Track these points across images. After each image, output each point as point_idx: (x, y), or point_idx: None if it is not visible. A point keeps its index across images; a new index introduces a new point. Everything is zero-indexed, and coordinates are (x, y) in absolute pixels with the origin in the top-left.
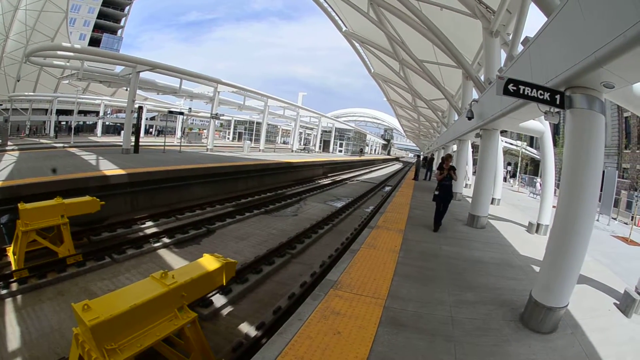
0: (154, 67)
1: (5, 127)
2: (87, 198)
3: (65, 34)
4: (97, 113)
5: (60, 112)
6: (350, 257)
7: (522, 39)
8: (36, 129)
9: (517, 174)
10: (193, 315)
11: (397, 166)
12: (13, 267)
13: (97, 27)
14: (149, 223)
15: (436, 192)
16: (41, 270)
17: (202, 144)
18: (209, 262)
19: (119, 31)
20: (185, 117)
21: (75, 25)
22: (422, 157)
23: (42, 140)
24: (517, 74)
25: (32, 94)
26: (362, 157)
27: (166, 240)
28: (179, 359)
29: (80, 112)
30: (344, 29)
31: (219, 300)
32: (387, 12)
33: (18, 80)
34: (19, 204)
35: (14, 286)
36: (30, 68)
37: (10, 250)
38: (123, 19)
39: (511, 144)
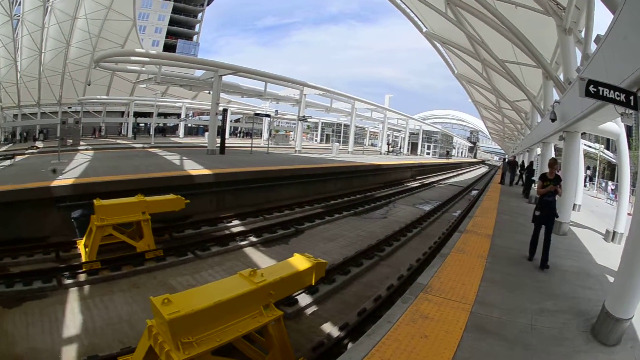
0: (236, 70)
1: (77, 128)
2: (171, 196)
3: (136, 40)
4: (178, 115)
5: (137, 114)
6: (440, 261)
7: (594, 36)
8: (118, 131)
9: (595, 178)
10: (278, 313)
11: (483, 169)
12: (83, 259)
13: (171, 34)
14: (235, 222)
15: (537, 213)
16: (115, 263)
17: (289, 145)
18: (300, 262)
19: (195, 37)
20: (271, 119)
21: (146, 32)
22: (507, 160)
23: (119, 141)
24: (593, 73)
25: (105, 97)
26: (450, 160)
27: (253, 239)
28: (256, 355)
29: (160, 114)
30: (424, 29)
31: (304, 299)
32: (464, 11)
33: (89, 85)
34: (94, 200)
35: (82, 277)
36: (101, 73)
37: (81, 243)
38: (197, 25)
39: (589, 146)
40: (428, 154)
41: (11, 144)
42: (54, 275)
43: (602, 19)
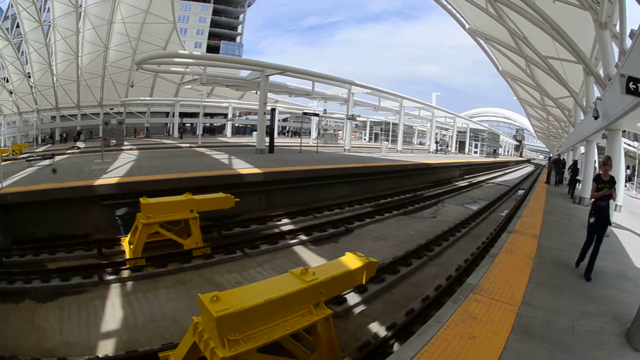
0: (283, 70)
1: (121, 129)
2: (220, 195)
3: (177, 42)
4: (225, 115)
5: (183, 114)
6: (490, 261)
7: (629, 31)
8: (166, 132)
9: (635, 177)
10: (328, 312)
11: (529, 168)
12: (127, 256)
13: (213, 35)
14: (285, 220)
15: (591, 220)
16: (161, 260)
17: (338, 144)
18: (351, 261)
19: (238, 38)
20: (320, 119)
21: (187, 34)
22: (552, 159)
23: (165, 141)
24: (632, 69)
25: (149, 98)
26: (497, 159)
27: (303, 237)
28: (302, 353)
29: (206, 114)
30: (467, 26)
31: (353, 298)
32: (504, 7)
33: (132, 86)
34: (140, 199)
35: (125, 273)
36: (144, 75)
37: (125, 240)
38: (239, 27)
39: (628, 144)
40: (475, 152)
41: (49, 145)
42: (94, 271)
43: (636, 12)
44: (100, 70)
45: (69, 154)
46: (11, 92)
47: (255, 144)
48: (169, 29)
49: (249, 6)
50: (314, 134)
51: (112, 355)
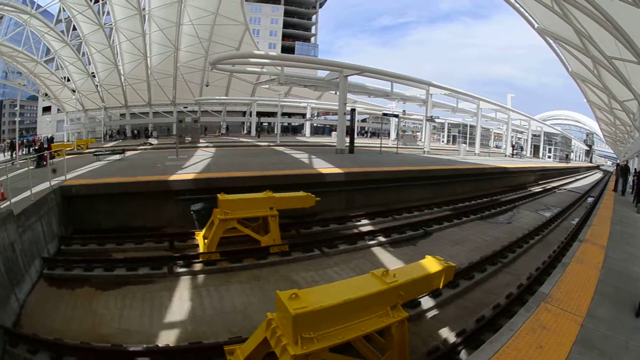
0: (361, 71)
1: (196, 127)
2: (301, 193)
3: (251, 43)
4: (303, 115)
5: (260, 114)
6: (561, 270)
7: None
8: (227, 128)
9: None
10: (404, 314)
11: (598, 175)
12: (201, 250)
13: (287, 36)
14: (364, 221)
15: None
16: (236, 256)
17: (417, 146)
18: (431, 264)
19: (312, 39)
20: (399, 120)
21: (260, 35)
22: (619, 165)
23: (242, 139)
24: None
25: (224, 97)
26: (569, 165)
27: (382, 238)
28: (372, 355)
29: (283, 114)
30: (536, 25)
31: (427, 302)
32: (568, 4)
33: (207, 86)
34: (218, 195)
35: (198, 266)
36: (217, 75)
37: (199, 235)
38: (312, 28)
39: None
40: (549, 157)
41: (119, 140)
42: (164, 262)
43: None
44: (171, 70)
45: (140, 149)
46: (73, 91)
47: (334, 144)
48: (241, 31)
49: (320, 7)
50: (393, 135)
51: (173, 346)
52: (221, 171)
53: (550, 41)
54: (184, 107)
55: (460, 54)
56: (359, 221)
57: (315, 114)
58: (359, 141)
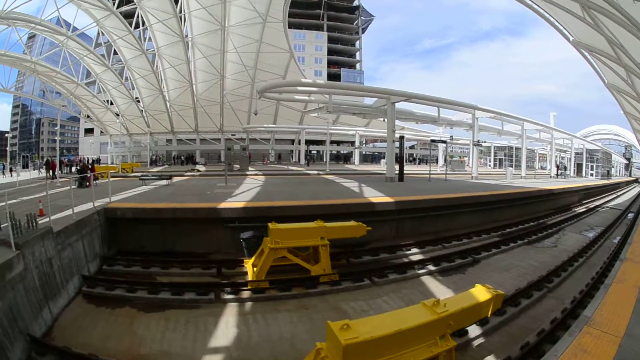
0: (408, 97)
1: (245, 155)
2: (352, 223)
3: (296, 71)
4: (351, 142)
5: (309, 142)
6: (603, 292)
7: None
8: (279, 156)
9: None
10: (452, 344)
11: (637, 189)
12: (249, 278)
13: (332, 63)
14: (414, 250)
15: None
16: (285, 284)
17: (464, 171)
18: (480, 293)
19: (357, 65)
20: (447, 145)
21: (306, 62)
22: None
23: (291, 168)
24: None
25: (273, 125)
26: (610, 181)
27: (431, 267)
28: None
29: (332, 142)
30: (571, 38)
31: (474, 330)
32: (598, 13)
33: (255, 114)
34: (269, 224)
35: (246, 294)
36: (265, 102)
37: (248, 263)
38: (357, 54)
39: None
40: (591, 174)
41: (166, 165)
42: (211, 289)
43: None
44: (217, 97)
45: (188, 176)
46: (117, 115)
47: (384, 171)
48: (287, 58)
49: (363, 32)
50: (441, 161)
51: None
52: (271, 200)
53: (586, 54)
54: (232, 135)
55: (503, 74)
56: (409, 250)
57: (364, 142)
58: (408, 168)
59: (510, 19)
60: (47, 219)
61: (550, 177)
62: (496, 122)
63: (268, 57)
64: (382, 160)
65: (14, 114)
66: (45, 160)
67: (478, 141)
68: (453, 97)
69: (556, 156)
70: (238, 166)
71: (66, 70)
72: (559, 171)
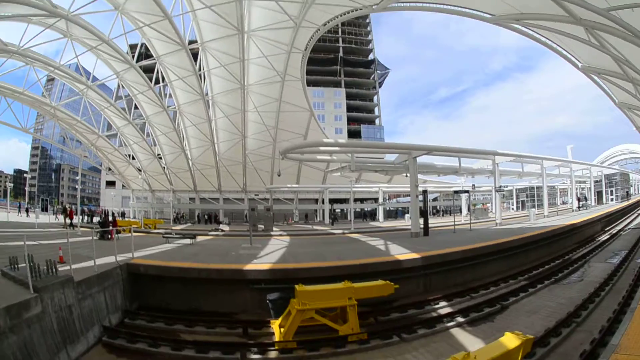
0: (429, 150)
1: (269, 215)
2: (380, 282)
3: (317, 129)
4: (375, 199)
5: (332, 200)
6: (630, 316)
7: None
8: (306, 215)
9: None
10: None
11: None
12: (277, 338)
13: (352, 120)
14: (442, 303)
15: None
16: (313, 344)
17: (488, 218)
18: (509, 341)
19: (376, 120)
20: (469, 195)
21: (326, 120)
22: None
23: (316, 227)
24: None
25: (296, 185)
26: (630, 202)
27: (460, 319)
28: None
29: (355, 199)
30: (580, 65)
31: None
32: (601, 32)
33: (279, 175)
34: (296, 286)
35: (272, 354)
36: (288, 162)
37: (275, 324)
38: (375, 109)
39: None
40: (611, 199)
41: (189, 224)
42: (237, 348)
43: None
44: (240, 157)
45: (212, 235)
46: (139, 170)
47: (408, 227)
48: (307, 117)
49: (380, 86)
50: (464, 210)
51: None
52: (297, 261)
53: (595, 77)
54: (255, 195)
55: (519, 113)
56: (437, 304)
57: (387, 198)
58: (432, 221)
59: (520, 54)
60: (68, 267)
61: (573, 210)
62: (516, 164)
63: (288, 116)
64: (407, 215)
65: (32, 155)
66: (63, 207)
67: (500, 187)
68: (472, 143)
69: (576, 188)
70: (262, 226)
71: (87, 120)
72: (580, 203)
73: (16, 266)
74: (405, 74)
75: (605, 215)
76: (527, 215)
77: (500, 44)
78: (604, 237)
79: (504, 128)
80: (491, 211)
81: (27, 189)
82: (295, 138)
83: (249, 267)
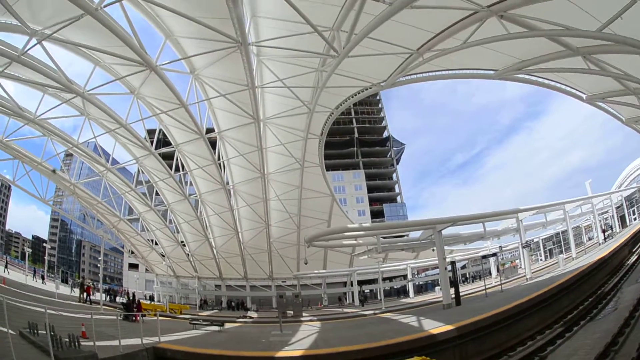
0: (454, 221)
1: (298, 302)
2: (415, 359)
3: (340, 214)
4: (403, 276)
5: (360, 282)
6: None
7: None
8: (339, 298)
9: None
10: None
11: None
12: None
13: (373, 200)
14: None
15: None
16: None
17: (518, 275)
18: None
19: (397, 198)
20: (497, 257)
21: (348, 204)
22: None
23: (346, 310)
24: None
25: (323, 271)
26: None
27: None
28: None
29: (384, 279)
30: (584, 97)
31: None
32: (598, 55)
33: (306, 263)
34: None
35: None
36: (314, 248)
37: None
38: (395, 186)
39: None
40: (634, 219)
41: (215, 310)
42: None
43: None
44: (264, 245)
45: (240, 322)
46: (163, 255)
47: (440, 299)
48: (329, 202)
49: (397, 163)
50: (494, 272)
51: None
52: (329, 346)
53: (600, 103)
54: (282, 282)
55: (534, 162)
56: None
57: (415, 272)
58: (463, 289)
59: (526, 102)
60: (91, 343)
61: (600, 244)
62: (539, 216)
63: (311, 202)
64: (437, 287)
65: (52, 226)
66: (81, 282)
67: (527, 242)
68: (494, 204)
69: (600, 221)
70: (292, 312)
71: (107, 202)
72: (606, 234)
73: (36, 331)
74: (421, 145)
75: (630, 238)
76: (557, 262)
77: (506, 97)
78: (633, 258)
79: (523, 180)
80: (520, 267)
81: (46, 257)
82: (319, 224)
83: (281, 354)
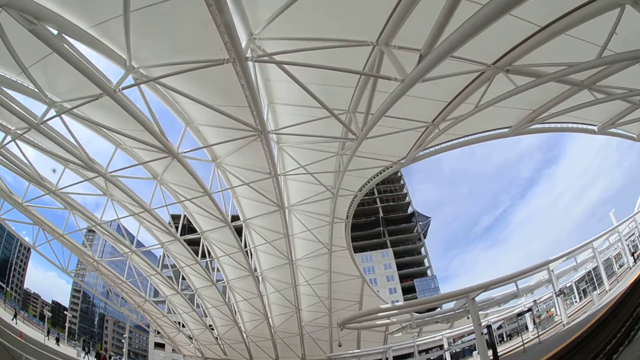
0: (485, 287)
1: None
2: None
3: (371, 294)
4: (439, 346)
5: (396, 358)
6: None
7: None
8: None
9: None
10: None
11: None
12: None
13: (404, 277)
14: None
15: None
16: None
17: (555, 323)
18: None
19: (428, 271)
20: (532, 311)
21: (379, 283)
22: None
23: None
24: None
25: (357, 350)
26: None
27: None
28: None
29: (420, 351)
30: (595, 128)
31: None
32: (604, 81)
33: (340, 346)
34: None
35: None
36: (347, 329)
37: None
38: (425, 260)
39: None
40: None
41: None
42: None
43: None
44: (295, 329)
45: None
46: (190, 337)
47: None
48: (359, 283)
49: (424, 237)
50: (530, 326)
51: None
52: None
53: (612, 130)
54: None
55: (558, 208)
56: None
57: (452, 341)
58: (501, 348)
59: (541, 149)
60: None
61: (630, 267)
62: (569, 260)
63: (341, 285)
64: (474, 352)
65: (73, 296)
66: (97, 351)
67: (561, 290)
68: (524, 258)
69: (627, 245)
70: None
71: (132, 282)
72: (635, 255)
73: None
74: (446, 215)
75: None
76: (592, 300)
77: (523, 148)
78: None
79: (549, 228)
80: (556, 314)
81: (67, 324)
82: (351, 306)
83: None
